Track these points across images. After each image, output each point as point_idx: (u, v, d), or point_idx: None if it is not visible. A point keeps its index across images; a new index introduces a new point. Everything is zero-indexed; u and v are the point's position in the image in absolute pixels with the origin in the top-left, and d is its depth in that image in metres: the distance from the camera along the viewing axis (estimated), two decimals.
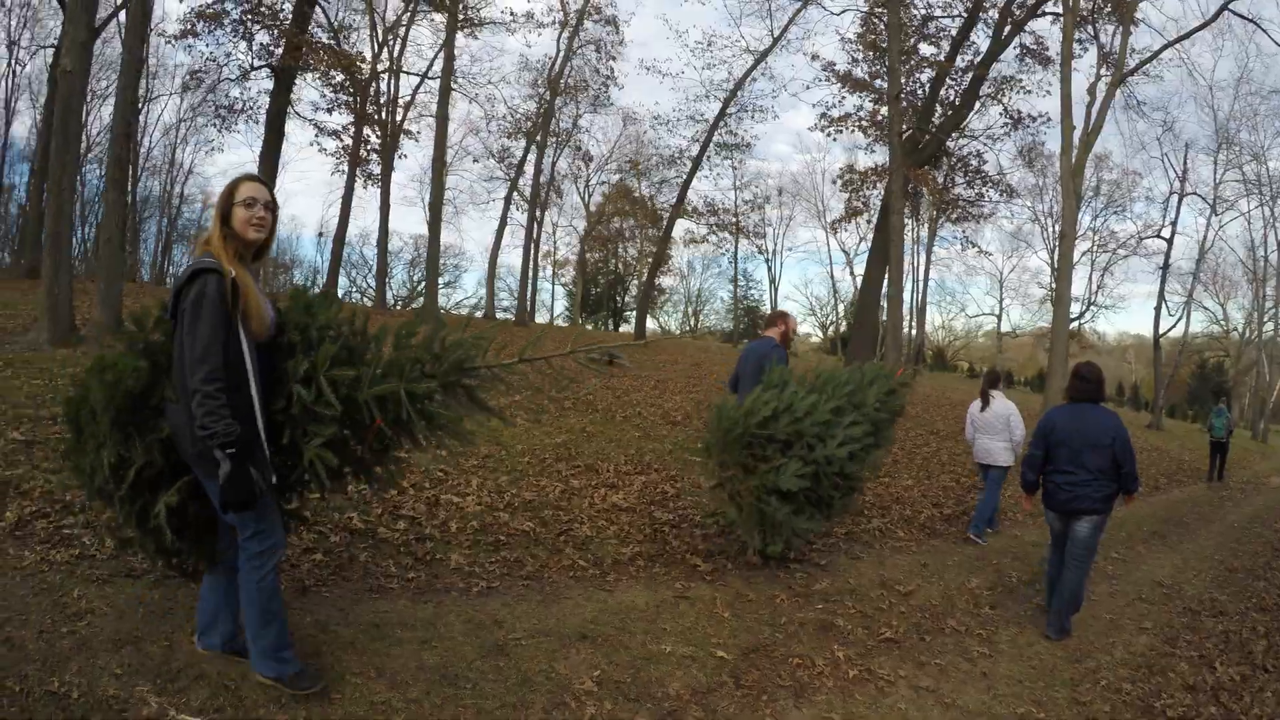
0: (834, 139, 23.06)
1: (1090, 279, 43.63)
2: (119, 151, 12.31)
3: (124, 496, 3.45)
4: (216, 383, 3.11)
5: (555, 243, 50.52)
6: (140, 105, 31.56)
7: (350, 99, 24.00)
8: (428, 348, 3.82)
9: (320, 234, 35.75)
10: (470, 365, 3.90)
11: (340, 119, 24.92)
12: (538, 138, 31.83)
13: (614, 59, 31.12)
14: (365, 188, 27.32)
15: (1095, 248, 43.09)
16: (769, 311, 53.67)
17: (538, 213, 35.69)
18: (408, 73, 29.38)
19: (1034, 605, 6.78)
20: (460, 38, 25.96)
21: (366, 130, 25.18)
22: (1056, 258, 20.53)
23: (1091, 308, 43.86)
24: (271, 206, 3.47)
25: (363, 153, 25.42)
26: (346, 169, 25.96)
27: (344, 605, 4.77)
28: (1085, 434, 5.85)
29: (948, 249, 60.13)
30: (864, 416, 6.49)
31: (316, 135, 25.27)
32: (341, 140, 25.19)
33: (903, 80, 22.58)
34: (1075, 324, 44.56)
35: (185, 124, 38.18)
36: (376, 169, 26.48)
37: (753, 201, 43.21)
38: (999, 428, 8.92)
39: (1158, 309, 34.37)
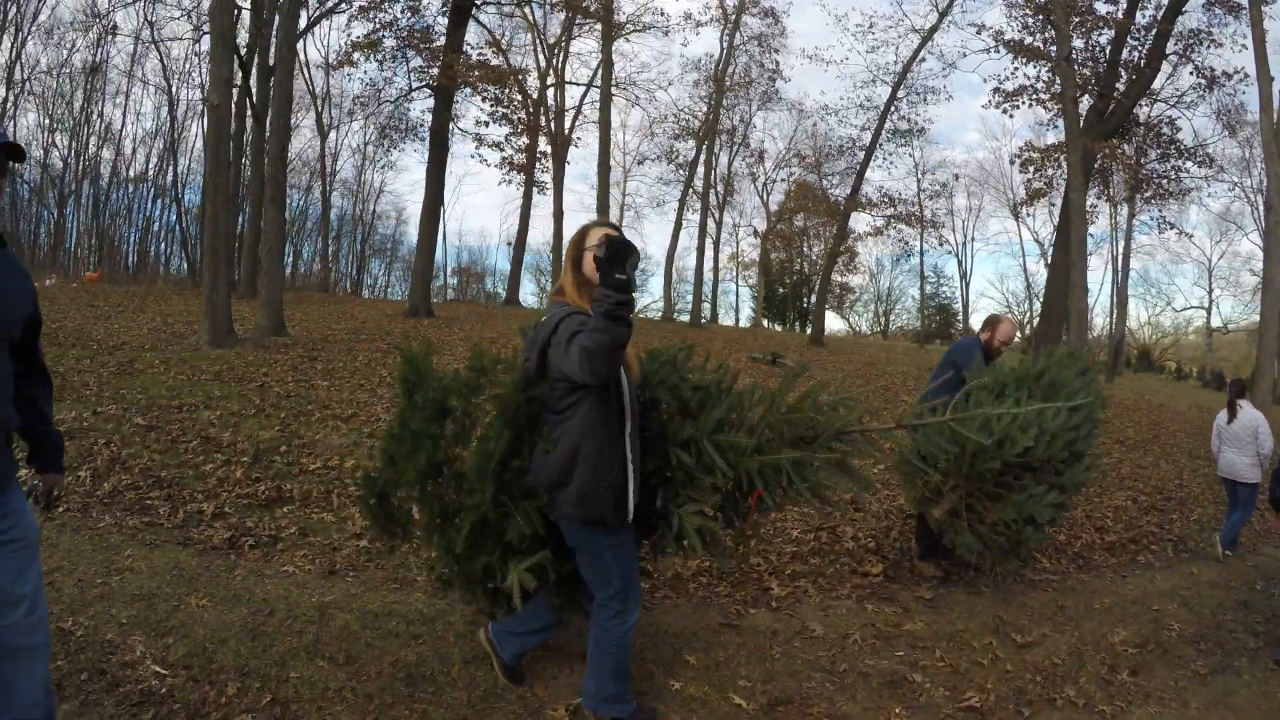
0: (1012, 116, 20.72)
1: None
2: (275, 171, 14.91)
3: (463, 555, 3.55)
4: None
5: (738, 243, 49.37)
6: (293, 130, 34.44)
7: (507, 111, 23.99)
8: (811, 413, 3.75)
9: (508, 243, 36.41)
10: (846, 431, 3.82)
11: (499, 130, 25.86)
12: (705, 137, 31.15)
13: (777, 51, 29.97)
14: (541, 194, 28.03)
15: None
16: (959, 310, 50.23)
17: (714, 213, 34.85)
18: (573, 83, 30.15)
19: (1191, 671, 4.98)
20: (622, 44, 26.52)
21: (526, 139, 25.17)
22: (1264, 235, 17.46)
23: None
24: None
25: (523, 160, 25.37)
26: (521, 178, 26.33)
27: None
28: None
29: (1149, 234, 54.27)
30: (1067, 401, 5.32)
31: (477, 148, 25.19)
32: (504, 151, 25.17)
33: (1078, 41, 20.24)
34: None
35: (371, 145, 39.84)
36: (543, 176, 26.75)
37: (931, 190, 40.17)
38: (1246, 440, 8.11)
39: None
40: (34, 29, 32.75)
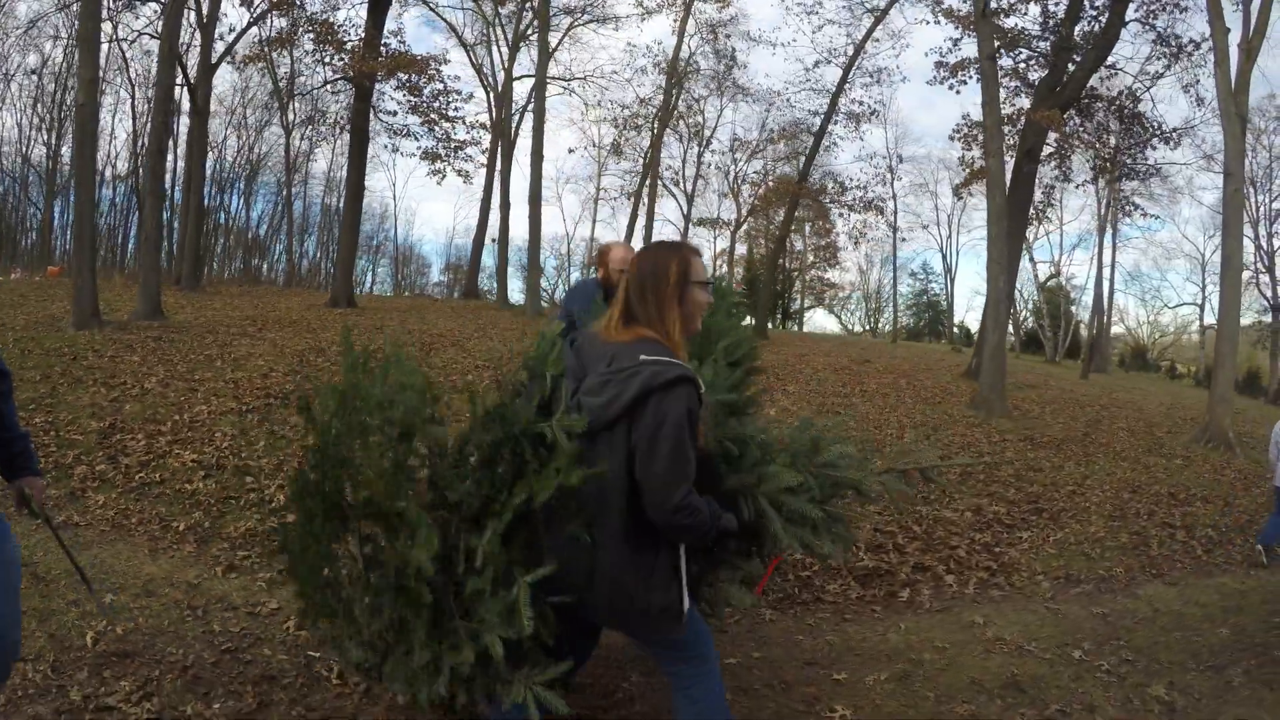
0: (959, 92, 18.50)
1: None
2: (154, 165, 16.31)
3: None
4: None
5: (717, 237, 47.02)
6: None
7: (422, 100, 22.73)
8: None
9: (493, 239, 34.24)
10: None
11: (411, 120, 24.06)
12: (661, 129, 29.42)
13: (729, 37, 27.94)
14: (467, 183, 26.15)
15: None
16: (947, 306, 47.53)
17: (681, 205, 32.91)
18: (528, 76, 28.60)
19: None
20: (590, 38, 25.55)
21: (446, 126, 23.64)
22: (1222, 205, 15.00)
23: None
24: None
25: (441, 150, 23.86)
26: (443, 169, 24.60)
27: None
28: None
29: (1130, 225, 51.25)
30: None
31: (391, 139, 24.69)
32: (419, 141, 24.03)
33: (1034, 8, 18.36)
34: None
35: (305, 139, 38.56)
36: (469, 166, 25.22)
37: (880, 174, 36.90)
38: None
39: None
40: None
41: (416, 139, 23.65)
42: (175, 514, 5.83)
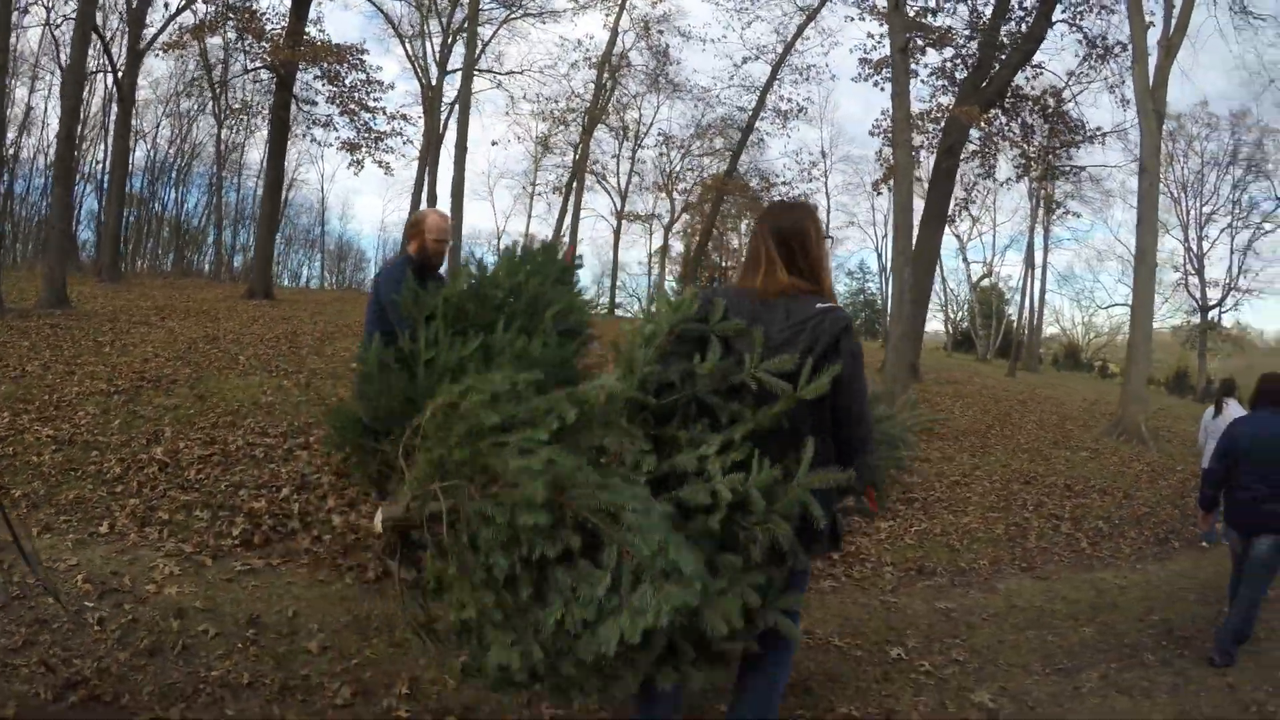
0: (883, 89, 18.22)
1: (1231, 260, 35.64)
2: (63, 151, 14.96)
3: None
4: None
5: (650, 234, 46.29)
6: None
7: (342, 90, 21.84)
8: None
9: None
10: None
11: (332, 110, 23.01)
12: (592, 124, 28.78)
13: (662, 33, 27.30)
14: (388, 174, 25.70)
15: (1236, 222, 35.01)
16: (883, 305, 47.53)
17: (614, 199, 32.35)
18: (455, 71, 27.53)
19: None
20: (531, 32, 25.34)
21: (366, 117, 22.69)
22: (1137, 199, 14.73)
23: (1234, 293, 35.71)
24: None
25: (361, 141, 22.86)
26: (361, 159, 23.55)
27: None
28: (1267, 448, 4.79)
29: (1067, 230, 51.73)
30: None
31: (309, 127, 23.89)
32: (337, 131, 22.98)
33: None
34: (1214, 314, 37.00)
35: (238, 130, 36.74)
36: (389, 157, 24.35)
37: (804, 168, 35.11)
38: None
39: None
40: None
41: (336, 129, 22.91)
42: (17, 483, 5.60)
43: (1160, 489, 9.85)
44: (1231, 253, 36.15)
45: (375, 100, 22.12)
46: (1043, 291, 39.61)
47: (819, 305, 2.59)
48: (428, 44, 28.78)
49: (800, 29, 23.31)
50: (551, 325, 3.41)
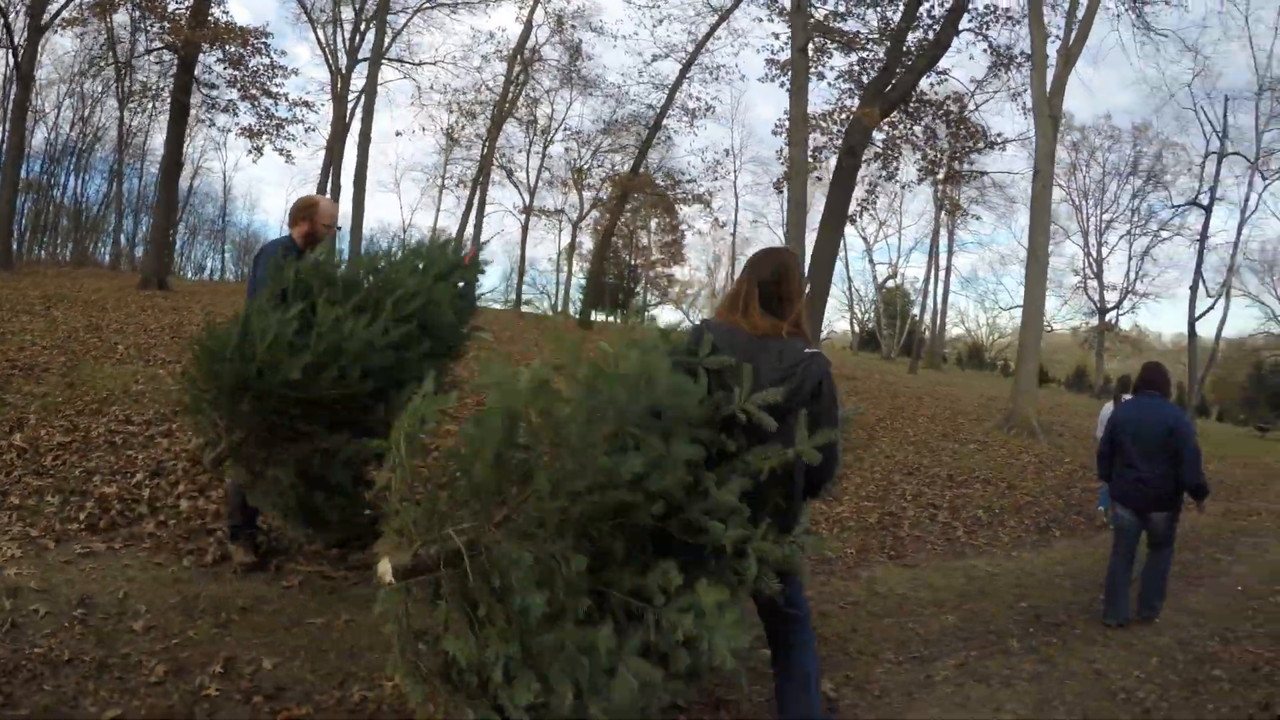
0: (789, 90, 18.40)
1: (1129, 265, 37.02)
2: None
3: None
4: None
5: (559, 232, 45.61)
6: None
7: (240, 74, 20.94)
8: None
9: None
10: None
11: (233, 94, 22.05)
12: (502, 118, 27.88)
13: (574, 27, 26.85)
14: (289, 163, 25.70)
15: (1134, 229, 36.42)
16: None
17: (524, 195, 31.92)
18: (364, 60, 26.26)
19: None
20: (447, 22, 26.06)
21: (267, 102, 21.76)
22: (1031, 200, 15.04)
23: (1130, 296, 37.11)
24: None
25: (263, 127, 21.93)
26: (262, 146, 22.51)
27: None
28: (1146, 429, 5.17)
29: (972, 233, 53.02)
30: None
31: (208, 111, 22.83)
32: (235, 116, 22.02)
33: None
34: (1112, 316, 38.37)
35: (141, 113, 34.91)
36: (290, 145, 23.21)
37: (709, 166, 34.96)
38: None
39: (1194, 288, 27.35)
40: None
41: (237, 115, 21.93)
42: None
43: (1046, 479, 9.90)
44: (1130, 259, 37.61)
45: (278, 86, 21.29)
46: (946, 293, 40.62)
47: (806, 350, 2.81)
48: (340, 31, 27.87)
49: (713, 28, 23.21)
50: (392, 309, 3.59)
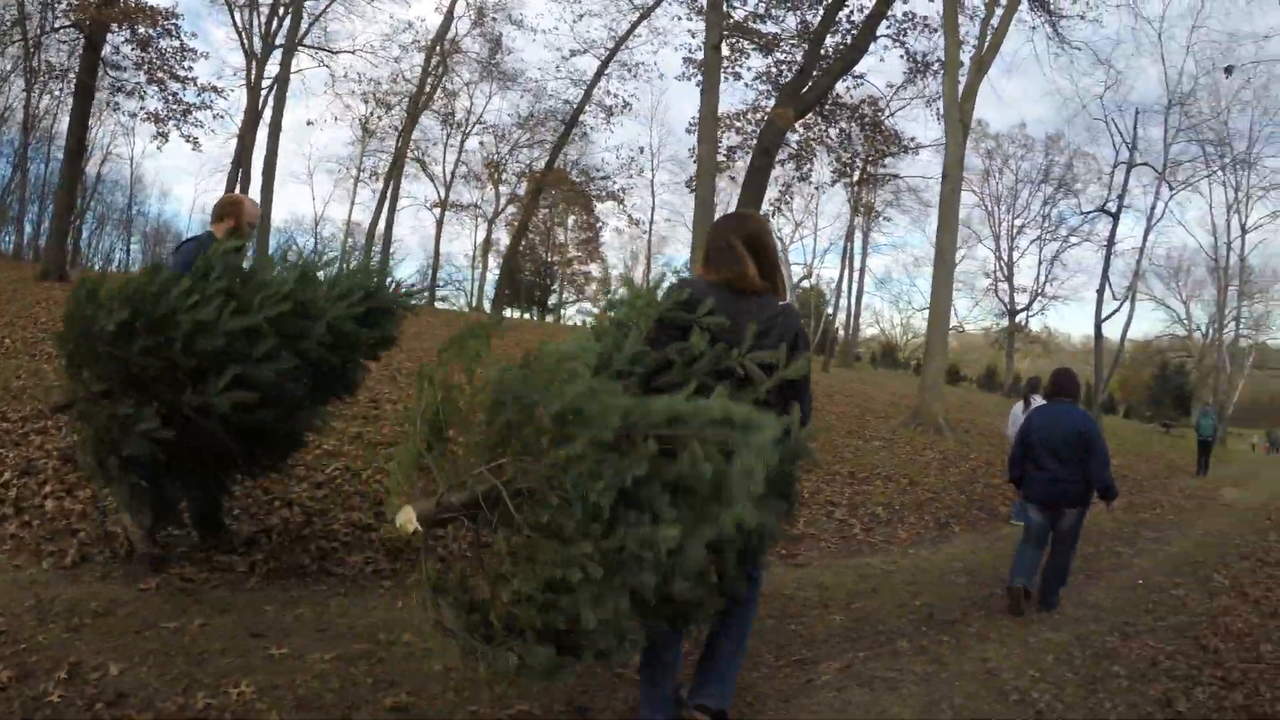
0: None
1: (1039, 269, 38.27)
2: None
3: None
4: None
5: (477, 226, 44.83)
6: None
7: (147, 56, 20.40)
8: None
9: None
10: None
11: (139, 77, 21.41)
12: (418, 109, 27.42)
13: (495, 21, 26.48)
14: (196, 150, 23.75)
15: (1044, 234, 37.62)
16: None
17: (439, 189, 31.20)
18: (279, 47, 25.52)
19: None
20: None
21: (175, 87, 21.11)
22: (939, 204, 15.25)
23: (1040, 298, 38.30)
24: None
25: (170, 112, 21.33)
26: (166, 132, 21.92)
27: None
28: (1058, 433, 5.38)
29: (885, 235, 54.10)
30: None
31: (114, 94, 21.91)
32: (144, 100, 21.38)
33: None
34: (1022, 317, 39.65)
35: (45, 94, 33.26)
36: (199, 131, 22.52)
37: (623, 162, 33.93)
38: None
39: (1100, 291, 28.11)
40: None
41: (143, 99, 21.29)
42: None
43: (949, 475, 9.93)
44: (1040, 262, 38.93)
45: (187, 70, 20.65)
46: (861, 293, 41.37)
47: (781, 304, 3.05)
48: (256, 15, 26.91)
49: (634, 25, 23.18)
50: (257, 306, 3.66)
